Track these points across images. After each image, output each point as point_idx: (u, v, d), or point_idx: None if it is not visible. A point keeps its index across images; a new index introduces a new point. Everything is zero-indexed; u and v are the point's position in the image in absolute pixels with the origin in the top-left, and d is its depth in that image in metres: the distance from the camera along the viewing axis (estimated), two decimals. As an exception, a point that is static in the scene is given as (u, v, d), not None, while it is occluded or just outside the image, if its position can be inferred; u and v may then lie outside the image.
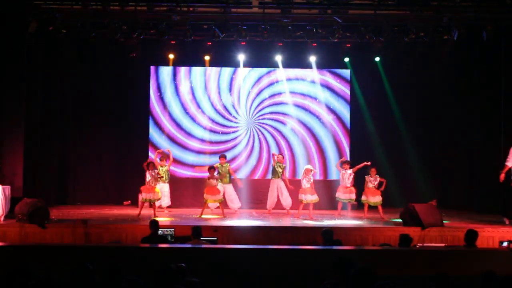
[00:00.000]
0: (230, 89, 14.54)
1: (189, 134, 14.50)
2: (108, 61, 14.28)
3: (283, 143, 14.51)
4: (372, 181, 12.03)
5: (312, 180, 12.05)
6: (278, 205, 12.89)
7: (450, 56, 13.77)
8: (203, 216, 11.93)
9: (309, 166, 12.22)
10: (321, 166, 14.47)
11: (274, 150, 14.34)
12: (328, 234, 8.12)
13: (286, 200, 12.67)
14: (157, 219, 9.62)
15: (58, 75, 13.64)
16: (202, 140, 14.50)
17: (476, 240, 7.57)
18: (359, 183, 12.56)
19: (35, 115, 12.52)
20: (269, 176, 13.44)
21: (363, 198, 12.05)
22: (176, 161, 14.12)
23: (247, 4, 11.73)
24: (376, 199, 11.92)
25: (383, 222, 11.30)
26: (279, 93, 14.58)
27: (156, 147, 14.17)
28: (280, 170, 12.69)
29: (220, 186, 12.22)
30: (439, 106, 14.57)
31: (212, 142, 14.49)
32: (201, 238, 8.36)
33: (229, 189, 12.56)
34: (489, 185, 13.15)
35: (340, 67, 14.50)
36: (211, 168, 12.04)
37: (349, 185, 12.36)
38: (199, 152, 14.49)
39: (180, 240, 8.89)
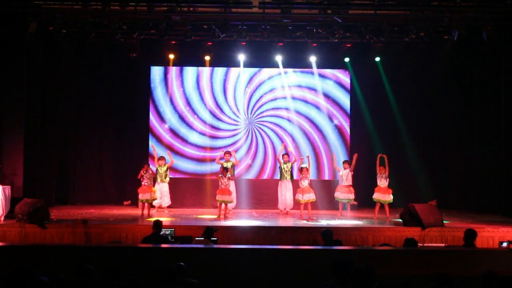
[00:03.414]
0: (231, 89, 14.53)
1: (189, 134, 14.49)
2: (108, 61, 14.30)
3: (285, 143, 14.49)
4: (384, 178, 11.94)
5: (309, 179, 11.99)
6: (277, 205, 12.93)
7: (450, 56, 13.80)
8: (201, 216, 11.97)
9: (305, 165, 12.19)
10: (321, 166, 14.46)
11: (274, 150, 14.36)
12: (328, 235, 8.12)
13: (287, 201, 12.67)
14: (159, 219, 9.61)
15: (58, 75, 13.64)
16: (202, 140, 14.49)
17: (475, 239, 7.57)
18: (367, 183, 12.56)
19: (35, 115, 12.52)
20: (271, 176, 13.43)
21: (375, 196, 11.97)
22: (176, 161, 14.18)
23: (247, 4, 11.72)
24: (387, 197, 11.85)
25: (380, 222, 11.30)
26: (279, 93, 14.58)
27: (155, 148, 14.20)
28: (287, 170, 12.65)
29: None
30: (439, 106, 14.58)
31: (212, 141, 14.48)
32: (198, 238, 8.45)
33: (230, 186, 12.51)
34: (489, 185, 13.19)
35: (340, 67, 14.51)
36: (225, 169, 12.04)
37: (347, 185, 12.34)
38: (199, 152, 14.48)
39: (180, 240, 8.90)
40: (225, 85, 14.55)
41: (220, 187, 11.86)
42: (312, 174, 13.80)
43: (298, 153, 13.96)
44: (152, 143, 13.82)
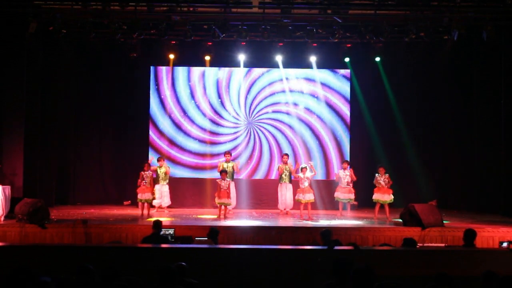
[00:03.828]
0: (230, 89, 14.53)
1: (189, 134, 14.49)
2: (108, 61, 14.30)
3: (283, 143, 14.49)
4: (383, 179, 11.95)
5: (309, 180, 12.00)
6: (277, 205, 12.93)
7: (450, 56, 13.80)
8: (201, 216, 11.98)
9: (305, 165, 12.18)
10: (321, 166, 14.44)
11: (274, 150, 14.36)
12: (327, 235, 8.09)
13: (287, 201, 12.66)
14: (159, 219, 9.61)
15: (58, 75, 13.64)
16: (202, 140, 14.49)
17: (474, 239, 7.57)
18: (367, 183, 12.58)
19: (35, 115, 12.52)
20: (271, 176, 13.38)
21: (375, 197, 11.97)
22: (175, 162, 14.21)
23: (247, 4, 11.72)
24: (387, 198, 11.85)
25: (380, 222, 11.31)
26: (279, 93, 14.57)
27: (156, 147, 14.22)
28: (287, 173, 12.64)
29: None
30: (439, 106, 14.57)
31: (212, 142, 14.48)
32: (199, 238, 8.47)
33: (229, 188, 12.51)
34: (489, 185, 13.19)
35: (340, 67, 14.50)
36: (223, 172, 12.03)
37: (346, 185, 12.34)
38: (199, 153, 14.48)
39: (180, 240, 8.90)
40: (225, 85, 14.54)
41: (219, 190, 11.84)
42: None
43: (303, 152, 14.03)
44: (152, 156, 13.57)
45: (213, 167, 14.02)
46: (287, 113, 14.57)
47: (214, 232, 8.39)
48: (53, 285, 4.30)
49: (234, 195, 12.72)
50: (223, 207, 11.85)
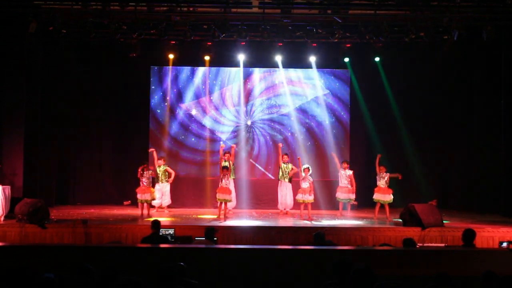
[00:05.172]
0: (230, 89, 14.52)
1: (188, 134, 14.48)
2: (108, 61, 14.29)
3: (282, 143, 14.47)
4: (384, 178, 11.96)
5: (310, 180, 11.98)
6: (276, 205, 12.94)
7: (450, 56, 13.79)
8: (201, 216, 11.98)
9: (306, 166, 12.17)
10: (321, 166, 14.42)
11: (273, 150, 14.35)
12: (321, 237, 8.01)
13: (287, 201, 12.66)
14: (157, 219, 9.61)
15: (58, 75, 13.64)
16: (202, 141, 14.48)
17: (474, 239, 7.57)
18: (367, 183, 12.56)
19: (35, 115, 12.52)
20: (268, 176, 13.37)
21: (376, 197, 11.98)
22: (176, 161, 14.22)
23: (247, 4, 11.73)
24: (387, 197, 11.86)
25: (380, 222, 11.31)
26: (279, 93, 14.57)
27: (155, 147, 14.21)
28: (287, 171, 12.63)
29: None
30: (439, 106, 14.57)
31: (212, 141, 14.46)
32: (198, 238, 8.47)
33: (230, 185, 12.48)
34: (489, 185, 13.19)
35: (340, 67, 14.49)
36: (225, 168, 12.02)
37: (346, 185, 12.34)
38: (199, 154, 14.47)
39: (180, 240, 8.90)
40: (225, 85, 14.54)
41: (220, 186, 11.83)
42: (312, 174, 13.80)
43: (297, 152, 14.02)
44: (152, 147, 13.39)
45: (213, 166, 14.02)
46: (287, 113, 14.57)
47: (209, 232, 8.34)
48: (56, 281, 4.31)
49: (234, 194, 12.71)
50: (223, 205, 11.82)
